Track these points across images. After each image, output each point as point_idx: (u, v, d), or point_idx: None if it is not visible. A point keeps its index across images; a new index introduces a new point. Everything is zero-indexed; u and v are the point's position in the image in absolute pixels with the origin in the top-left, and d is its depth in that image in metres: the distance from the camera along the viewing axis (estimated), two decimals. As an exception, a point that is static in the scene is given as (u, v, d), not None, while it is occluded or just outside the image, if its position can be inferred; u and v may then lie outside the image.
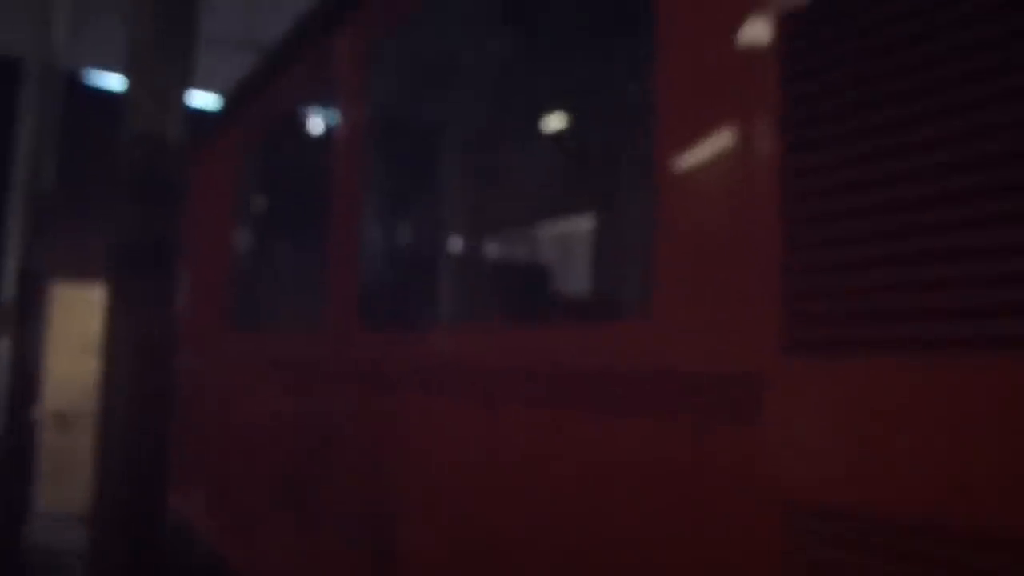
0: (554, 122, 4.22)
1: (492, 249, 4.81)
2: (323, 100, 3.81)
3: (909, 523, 1.10)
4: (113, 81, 9.73)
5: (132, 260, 2.16)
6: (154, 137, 2.26)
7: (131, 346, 2.17)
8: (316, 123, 4.03)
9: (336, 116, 3.23)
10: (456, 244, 5.84)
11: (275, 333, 4.12)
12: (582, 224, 4.89)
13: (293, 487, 3.38)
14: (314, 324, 3.34)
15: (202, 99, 9.13)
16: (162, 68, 2.37)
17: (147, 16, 2.37)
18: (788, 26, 1.37)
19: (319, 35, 3.37)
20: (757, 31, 1.44)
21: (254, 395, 4.01)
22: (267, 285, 4.73)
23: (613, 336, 1.72)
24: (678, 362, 1.51)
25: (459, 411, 2.24)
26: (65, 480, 9.02)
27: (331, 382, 3.09)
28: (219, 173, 4.93)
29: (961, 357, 1.07)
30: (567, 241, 4.88)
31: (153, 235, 2.19)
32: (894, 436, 1.14)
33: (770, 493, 1.30)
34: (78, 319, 9.24)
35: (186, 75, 2.48)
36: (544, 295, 4.05)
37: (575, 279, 4.30)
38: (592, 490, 1.70)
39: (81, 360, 9.18)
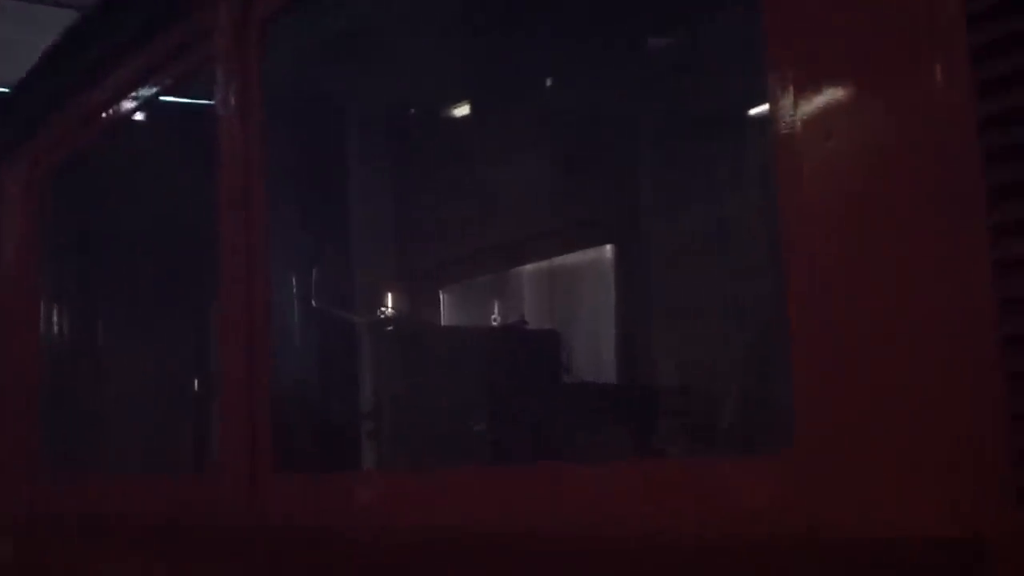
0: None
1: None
2: (182, 92, 3.84)
3: None
4: None
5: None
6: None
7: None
8: (177, 133, 4.04)
9: (217, 126, 3.22)
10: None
11: (119, 480, 4.08)
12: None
13: None
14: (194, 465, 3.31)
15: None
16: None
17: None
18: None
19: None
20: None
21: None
22: (104, 402, 4.68)
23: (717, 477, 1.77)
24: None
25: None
26: None
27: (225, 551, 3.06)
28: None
29: None
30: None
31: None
32: None
33: None
34: None
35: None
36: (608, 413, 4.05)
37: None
38: None
39: None
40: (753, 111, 4.15)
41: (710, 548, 1.74)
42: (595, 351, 4.92)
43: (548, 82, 5.17)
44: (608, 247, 5.25)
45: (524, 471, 2.22)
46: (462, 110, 5.60)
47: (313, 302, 4.47)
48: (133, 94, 3.86)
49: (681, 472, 1.96)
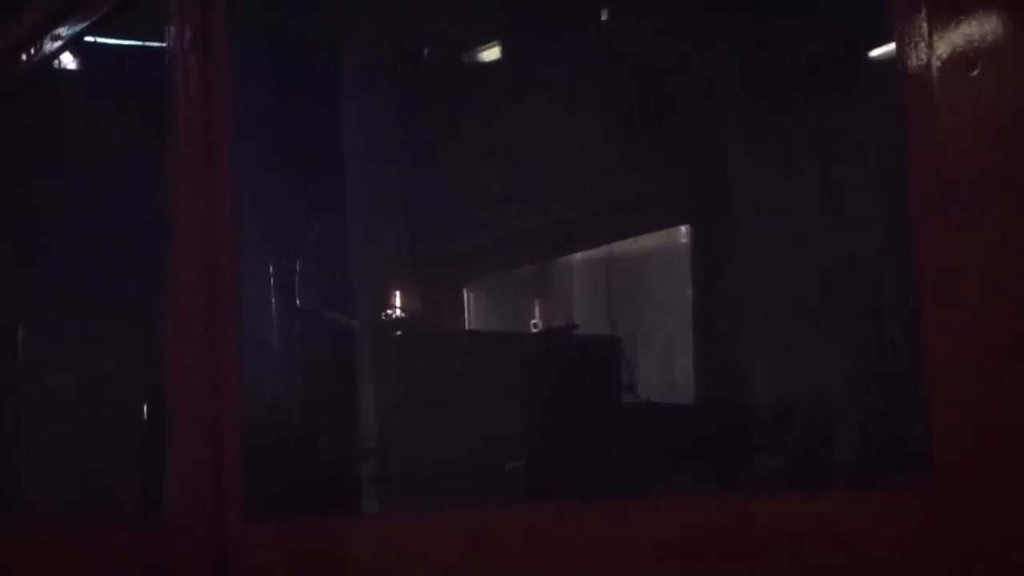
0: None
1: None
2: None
3: None
4: None
5: None
6: None
7: None
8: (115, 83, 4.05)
9: (169, 69, 3.23)
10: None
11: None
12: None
13: None
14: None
15: None
16: None
17: None
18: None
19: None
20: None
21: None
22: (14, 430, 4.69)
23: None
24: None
25: None
26: None
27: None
28: None
29: None
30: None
31: None
32: None
33: None
34: None
35: None
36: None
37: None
38: None
39: None
40: (879, 50, 4.12)
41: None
42: (667, 363, 4.91)
43: (604, 14, 5.16)
44: (683, 228, 5.22)
45: (576, 512, 2.20)
46: (493, 51, 5.58)
47: (297, 301, 4.47)
48: (55, 33, 3.87)
49: (790, 512, 1.98)
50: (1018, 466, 1.53)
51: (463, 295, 5.84)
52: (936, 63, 1.66)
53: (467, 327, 5.78)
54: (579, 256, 5.83)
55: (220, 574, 2.96)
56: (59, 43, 3.89)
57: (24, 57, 4.05)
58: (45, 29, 3.87)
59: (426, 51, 5.48)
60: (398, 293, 5.13)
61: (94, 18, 3.72)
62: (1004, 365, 1.55)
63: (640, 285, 5.56)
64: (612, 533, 2.13)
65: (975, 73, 1.60)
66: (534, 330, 5.55)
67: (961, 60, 1.63)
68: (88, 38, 3.88)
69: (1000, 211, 1.56)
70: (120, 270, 3.97)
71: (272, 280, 4.31)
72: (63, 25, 3.81)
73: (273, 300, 4.30)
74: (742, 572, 1.93)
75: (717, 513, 2.06)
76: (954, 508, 1.62)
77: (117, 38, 3.95)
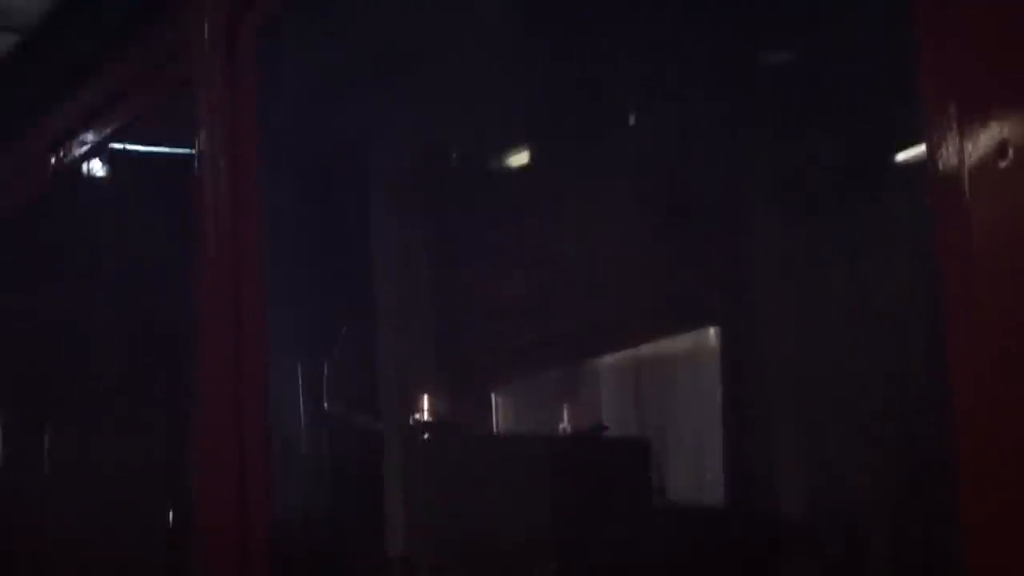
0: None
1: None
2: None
3: None
4: None
5: None
6: None
7: None
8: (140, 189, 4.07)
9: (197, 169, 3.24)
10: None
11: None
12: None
13: None
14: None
15: None
16: None
17: None
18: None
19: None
20: None
21: None
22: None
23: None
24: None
25: None
26: None
27: None
28: None
29: None
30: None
31: None
32: None
33: None
34: None
35: None
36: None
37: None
38: None
39: None
40: (910, 153, 4.11)
41: None
42: (698, 466, 4.85)
43: (631, 119, 5.17)
44: (712, 331, 5.20)
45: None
46: (519, 156, 5.59)
47: (325, 406, 4.44)
48: (81, 139, 3.87)
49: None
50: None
51: (491, 399, 5.81)
52: (967, 151, 1.65)
53: (495, 431, 5.75)
54: (608, 359, 5.80)
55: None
56: (86, 149, 3.91)
57: (52, 162, 4.07)
58: (73, 135, 3.89)
59: (454, 155, 5.50)
60: (426, 397, 5.10)
61: (122, 124, 3.75)
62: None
63: (669, 387, 5.53)
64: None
65: (1005, 164, 1.59)
66: (564, 432, 5.51)
67: (991, 148, 1.62)
68: (115, 144, 3.89)
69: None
70: (150, 374, 3.97)
71: (300, 388, 4.29)
72: (90, 131, 3.83)
73: (301, 408, 4.28)
74: None
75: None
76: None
77: (145, 144, 3.96)
